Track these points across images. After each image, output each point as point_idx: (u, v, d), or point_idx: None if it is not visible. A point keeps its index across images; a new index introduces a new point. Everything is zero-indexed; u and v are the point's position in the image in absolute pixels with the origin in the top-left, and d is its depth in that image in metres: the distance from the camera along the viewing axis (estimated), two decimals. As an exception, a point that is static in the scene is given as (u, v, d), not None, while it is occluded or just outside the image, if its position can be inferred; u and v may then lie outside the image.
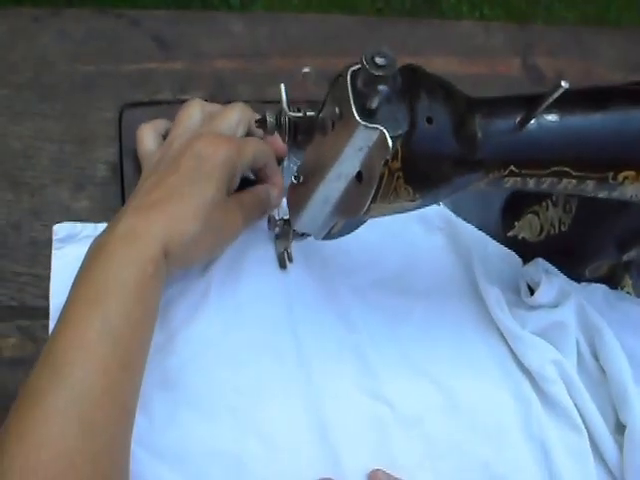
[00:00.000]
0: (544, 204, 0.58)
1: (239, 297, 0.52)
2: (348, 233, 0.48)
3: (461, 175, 0.41)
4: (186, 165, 0.47)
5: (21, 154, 0.54)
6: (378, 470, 0.48)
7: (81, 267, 0.45)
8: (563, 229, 0.56)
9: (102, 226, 0.50)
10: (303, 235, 0.52)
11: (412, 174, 0.39)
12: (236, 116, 0.52)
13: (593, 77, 0.69)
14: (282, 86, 0.44)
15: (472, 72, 0.67)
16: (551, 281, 0.55)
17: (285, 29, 0.63)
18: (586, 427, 0.51)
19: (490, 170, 0.42)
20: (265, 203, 0.53)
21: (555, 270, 0.56)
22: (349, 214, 0.42)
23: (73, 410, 0.39)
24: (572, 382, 0.52)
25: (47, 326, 0.48)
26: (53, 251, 0.51)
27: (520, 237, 0.60)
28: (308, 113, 0.44)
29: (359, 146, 0.38)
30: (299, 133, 0.45)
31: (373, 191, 0.39)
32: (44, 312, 0.49)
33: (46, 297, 0.49)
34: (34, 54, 0.58)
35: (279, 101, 0.44)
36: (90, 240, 0.49)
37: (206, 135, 0.49)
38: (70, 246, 0.52)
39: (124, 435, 0.42)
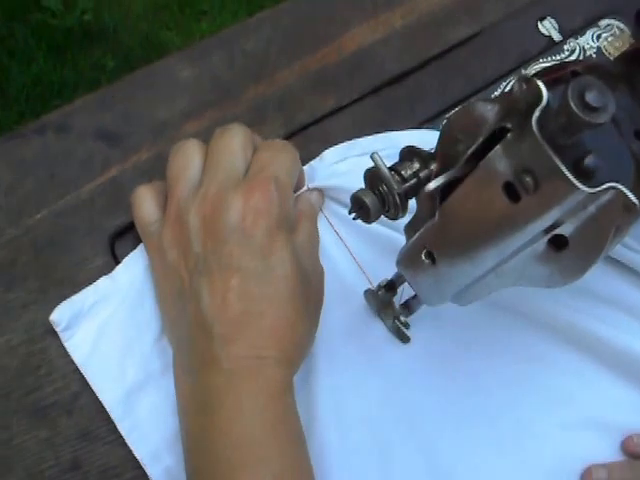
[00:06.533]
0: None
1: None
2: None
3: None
4: (236, 253, 0.38)
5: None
6: None
7: (195, 423, 0.38)
8: None
9: (103, 282, 0.43)
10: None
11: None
12: (238, 146, 0.41)
13: None
14: (376, 155, 0.32)
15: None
16: None
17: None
18: None
19: None
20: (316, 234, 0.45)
21: None
22: (541, 285, 0.32)
23: None
24: None
25: None
26: (65, 344, 0.42)
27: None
28: (422, 175, 0.32)
29: (570, 212, 0.27)
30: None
31: (595, 261, 0.28)
32: None
33: None
34: None
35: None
36: (98, 306, 0.42)
37: (220, 197, 0.39)
38: (81, 327, 0.42)
39: None
